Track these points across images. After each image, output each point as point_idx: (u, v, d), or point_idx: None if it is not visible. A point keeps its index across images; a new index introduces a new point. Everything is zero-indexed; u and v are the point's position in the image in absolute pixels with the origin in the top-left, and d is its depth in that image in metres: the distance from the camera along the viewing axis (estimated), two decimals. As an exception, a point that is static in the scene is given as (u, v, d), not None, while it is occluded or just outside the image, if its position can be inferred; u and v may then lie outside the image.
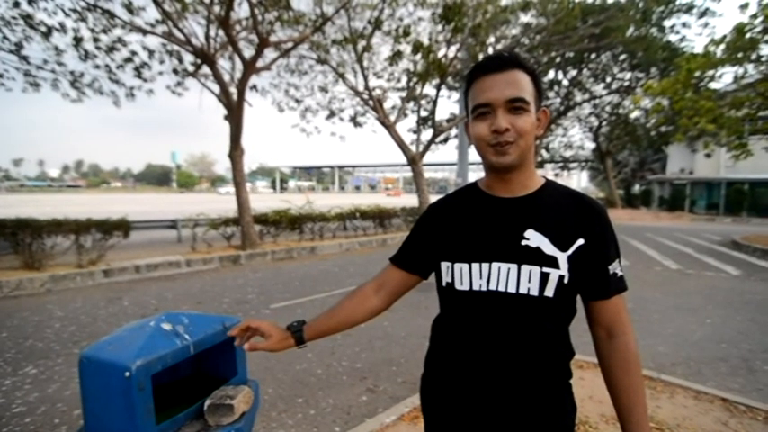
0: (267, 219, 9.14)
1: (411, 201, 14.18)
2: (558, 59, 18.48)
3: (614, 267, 0.89)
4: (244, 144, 8.68)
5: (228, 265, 7.74)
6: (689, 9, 15.66)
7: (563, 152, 30.77)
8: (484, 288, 0.87)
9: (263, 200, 15.62)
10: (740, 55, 10.43)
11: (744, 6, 10.13)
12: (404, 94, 13.62)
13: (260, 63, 8.98)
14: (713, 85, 12.23)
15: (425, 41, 11.10)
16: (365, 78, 11.84)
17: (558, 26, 12.27)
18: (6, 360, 3.44)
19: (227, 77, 9.03)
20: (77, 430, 0.98)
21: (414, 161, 12.69)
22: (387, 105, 13.32)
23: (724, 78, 12.43)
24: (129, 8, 7.82)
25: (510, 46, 13.55)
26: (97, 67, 8.65)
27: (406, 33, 10.20)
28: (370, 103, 12.24)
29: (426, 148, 13.37)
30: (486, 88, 0.84)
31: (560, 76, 21.37)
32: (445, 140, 18.19)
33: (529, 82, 0.85)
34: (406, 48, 11.24)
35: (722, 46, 10.68)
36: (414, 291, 1.10)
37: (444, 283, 0.93)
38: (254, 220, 8.76)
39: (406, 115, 14.40)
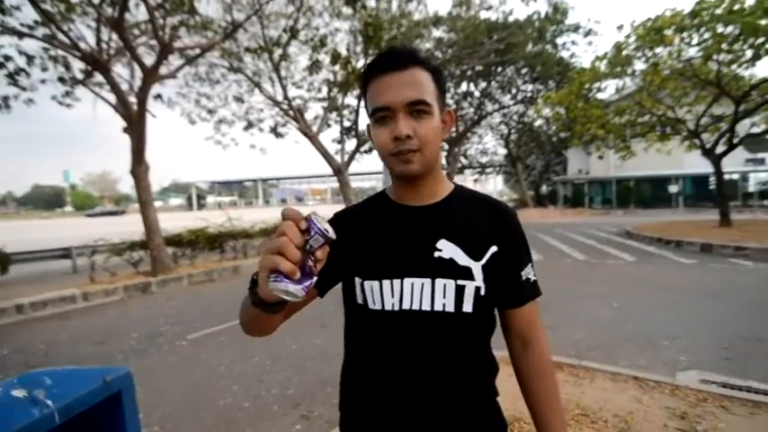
0: (181, 239, 8.35)
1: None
2: (469, 72, 19.78)
3: (527, 273, 0.85)
4: (151, 159, 7.87)
5: (137, 294, 6.88)
6: (576, 29, 17.79)
7: (479, 158, 32.90)
8: (396, 308, 0.78)
9: (177, 219, 14.37)
10: (619, 69, 12.00)
11: (620, 27, 11.72)
12: (325, 104, 13.48)
13: (164, 70, 8.26)
14: (600, 96, 13.94)
15: (344, 52, 11.11)
16: (284, 88, 11.50)
17: (467, 41, 13.11)
18: None
19: (125, 86, 8.16)
20: None
21: (339, 171, 12.58)
22: (308, 116, 13.08)
23: (608, 90, 14.25)
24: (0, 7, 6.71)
25: (425, 58, 14.13)
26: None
27: (323, 44, 10.12)
28: (291, 113, 11.91)
29: (351, 157, 13.35)
30: (383, 89, 0.75)
31: (472, 87, 22.86)
32: (370, 150, 18.34)
33: (430, 81, 0.77)
34: (324, 58, 11.15)
35: (605, 61, 12.21)
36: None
37: (359, 302, 0.83)
38: (165, 242, 7.95)
39: (329, 125, 14.26)
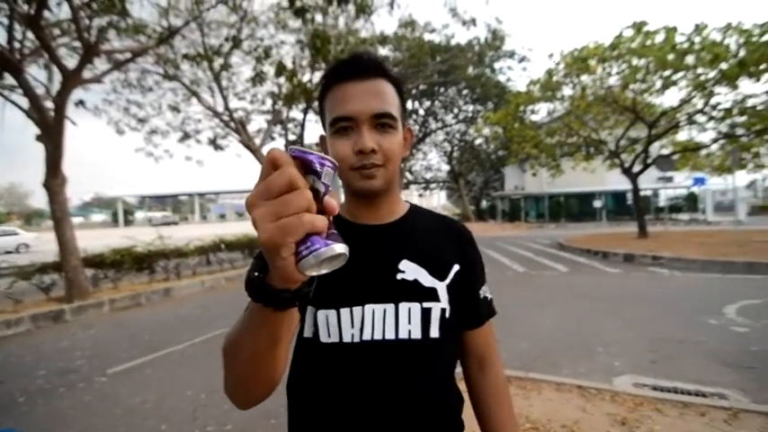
0: (103, 260, 7.52)
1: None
2: (414, 91, 20.40)
3: (484, 291, 0.85)
4: (70, 171, 7.07)
5: (47, 324, 6.03)
6: (511, 55, 19.11)
7: (424, 174, 33.87)
8: (357, 339, 0.69)
9: (101, 237, 13.11)
10: (549, 93, 12.98)
11: (550, 55, 12.72)
12: (269, 117, 13.13)
13: (89, 75, 7.55)
14: (534, 117, 14.97)
15: (289, 65, 10.93)
16: (224, 99, 11.03)
17: (412, 60, 13.51)
18: None
19: (41, 90, 7.33)
20: None
21: (284, 186, 12.22)
22: (251, 128, 12.64)
23: (541, 112, 15.38)
24: None
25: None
26: None
27: (267, 55, 9.89)
28: (232, 125, 11.42)
29: (297, 172, 13.04)
30: (346, 98, 0.69)
31: (417, 105, 23.61)
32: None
33: (395, 94, 0.72)
34: (269, 70, 10.90)
35: (537, 86, 13.15)
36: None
37: (306, 335, 0.72)
38: (84, 264, 7.11)
39: (273, 138, 13.90)
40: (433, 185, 38.81)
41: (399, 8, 13.71)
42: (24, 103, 6.99)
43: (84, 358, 4.43)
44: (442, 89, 22.16)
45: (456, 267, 0.78)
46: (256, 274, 0.45)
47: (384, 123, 0.69)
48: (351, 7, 8.20)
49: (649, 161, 13.04)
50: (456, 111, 25.15)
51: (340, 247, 0.39)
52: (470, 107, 24.71)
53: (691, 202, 26.93)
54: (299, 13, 6.74)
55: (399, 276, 0.73)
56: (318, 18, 9.36)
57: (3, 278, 6.71)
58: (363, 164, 0.68)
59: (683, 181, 25.25)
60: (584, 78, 12.31)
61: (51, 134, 6.83)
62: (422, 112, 24.18)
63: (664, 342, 4.06)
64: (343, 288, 0.70)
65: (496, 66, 20.34)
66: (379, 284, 0.72)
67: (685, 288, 6.64)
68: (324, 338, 0.70)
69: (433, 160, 32.81)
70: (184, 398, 3.28)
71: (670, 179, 27.01)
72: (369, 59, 0.72)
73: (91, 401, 3.30)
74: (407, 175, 30.54)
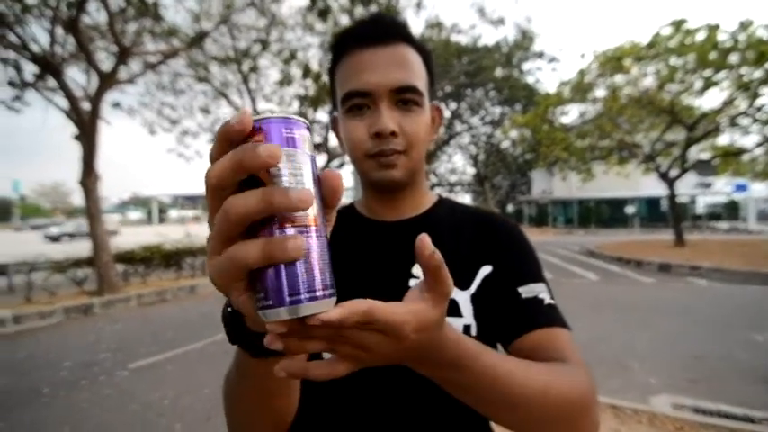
0: (134, 256, 7.76)
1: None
2: (440, 93, 20.22)
3: (532, 290, 0.60)
4: (111, 170, 7.36)
5: (77, 316, 6.25)
6: (541, 55, 18.63)
7: (449, 177, 33.51)
8: None
9: (136, 233, 13.57)
10: (581, 95, 12.55)
11: (582, 56, 12.31)
12: (295, 118, 13.30)
13: (124, 76, 7.82)
14: (564, 120, 14.52)
15: (315, 67, 11.03)
16: (253, 100, 11.24)
17: (438, 61, 13.35)
18: None
19: (80, 92, 7.64)
20: None
21: (308, 187, 12.32)
22: (278, 129, 12.81)
23: (572, 114, 14.90)
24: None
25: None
26: None
27: (293, 56, 10.00)
28: (259, 126, 11.63)
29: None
30: (361, 67, 0.57)
31: (443, 107, 23.42)
32: (341, 165, 18.27)
33: (421, 65, 0.60)
34: (296, 72, 11.03)
35: (568, 87, 12.75)
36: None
37: None
38: (115, 259, 7.35)
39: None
40: (457, 188, 38.40)
41: (426, 9, 13.63)
42: (64, 104, 7.32)
43: (108, 351, 4.54)
44: (468, 91, 21.87)
45: (486, 270, 0.62)
46: (229, 309, 0.35)
47: (407, 100, 0.57)
48: (375, 8, 8.18)
49: (687, 166, 12.38)
50: (483, 113, 24.77)
51: (310, 304, 0.28)
52: (497, 109, 24.29)
53: (731, 210, 25.52)
54: (323, 14, 6.76)
55: (412, 282, 0.60)
56: (344, 20, 9.39)
57: (41, 271, 7.02)
58: (381, 150, 0.57)
59: (723, 187, 23.93)
60: (618, 79, 11.83)
61: (87, 134, 7.11)
62: (448, 114, 23.95)
63: (704, 359, 3.77)
64: (350, 295, 0.60)
65: (525, 67, 19.89)
66: (388, 292, 0.59)
67: (727, 301, 6.20)
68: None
69: (458, 163, 32.47)
70: (201, 396, 3.27)
71: (709, 185, 25.66)
72: (390, 21, 0.59)
73: (110, 395, 3.35)
74: (432, 177, 30.32)
